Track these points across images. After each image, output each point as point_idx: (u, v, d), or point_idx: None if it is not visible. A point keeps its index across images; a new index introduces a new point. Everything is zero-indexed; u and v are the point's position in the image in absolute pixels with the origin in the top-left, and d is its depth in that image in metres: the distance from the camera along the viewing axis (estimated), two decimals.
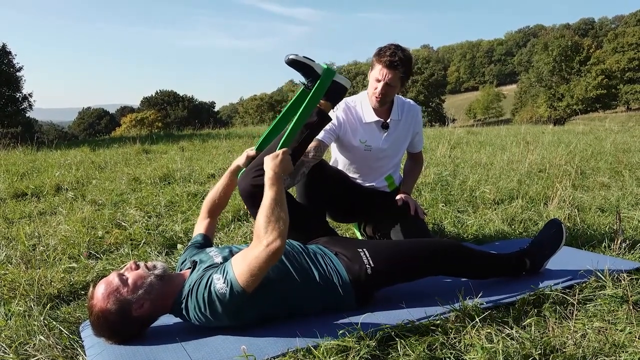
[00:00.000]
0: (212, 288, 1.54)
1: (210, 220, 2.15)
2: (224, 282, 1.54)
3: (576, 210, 3.30)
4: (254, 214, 1.71)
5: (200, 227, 2.12)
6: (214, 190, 2.15)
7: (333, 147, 2.63)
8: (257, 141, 2.10)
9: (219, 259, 1.71)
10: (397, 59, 2.26)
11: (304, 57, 1.90)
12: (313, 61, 1.91)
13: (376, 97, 2.37)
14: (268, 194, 1.64)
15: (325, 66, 1.92)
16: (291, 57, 1.89)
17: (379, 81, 2.33)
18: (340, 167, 2.61)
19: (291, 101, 2.04)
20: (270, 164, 1.72)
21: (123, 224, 3.09)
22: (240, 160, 2.10)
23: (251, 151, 2.09)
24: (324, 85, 1.91)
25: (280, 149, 1.81)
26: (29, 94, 26.59)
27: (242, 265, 1.54)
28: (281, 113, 2.07)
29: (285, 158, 1.75)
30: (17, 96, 26.21)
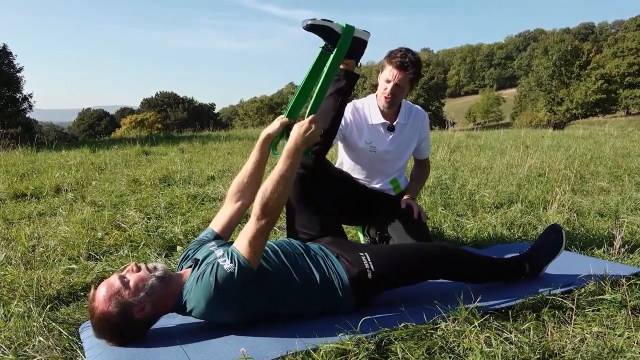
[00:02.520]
0: (219, 271, 1.55)
1: (240, 206, 1.92)
2: (231, 262, 1.56)
3: (575, 214, 3.31)
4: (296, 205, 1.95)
5: (219, 218, 1.94)
6: (242, 171, 1.93)
7: (340, 148, 2.65)
8: (287, 107, 1.95)
9: (219, 252, 1.69)
10: (407, 61, 2.31)
11: (322, 19, 1.86)
12: (331, 22, 1.87)
13: (385, 98, 2.40)
14: (279, 167, 1.63)
15: (344, 24, 1.89)
16: (309, 22, 1.84)
17: (388, 82, 2.37)
18: (345, 169, 2.63)
19: (311, 65, 1.93)
20: (294, 133, 1.70)
21: (123, 225, 3.09)
22: (272, 128, 1.87)
23: (283, 118, 1.89)
24: (346, 43, 1.88)
25: (308, 116, 1.75)
26: (29, 95, 26.65)
27: (243, 242, 1.58)
28: (304, 78, 1.93)
29: (310, 127, 1.70)
30: (17, 97, 26.25)
